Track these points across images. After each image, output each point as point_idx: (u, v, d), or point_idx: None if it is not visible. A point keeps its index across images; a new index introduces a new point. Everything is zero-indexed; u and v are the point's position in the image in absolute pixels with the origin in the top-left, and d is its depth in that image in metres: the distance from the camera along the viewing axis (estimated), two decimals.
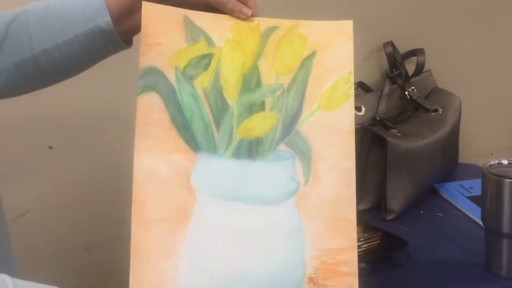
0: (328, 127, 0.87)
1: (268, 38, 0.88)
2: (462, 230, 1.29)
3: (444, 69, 1.61)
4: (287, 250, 0.84)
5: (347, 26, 0.90)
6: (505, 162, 1.13)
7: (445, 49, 1.63)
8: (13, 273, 0.91)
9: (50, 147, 1.30)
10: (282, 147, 0.86)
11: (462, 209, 1.35)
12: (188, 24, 0.87)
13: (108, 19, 0.87)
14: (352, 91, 0.88)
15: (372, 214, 1.34)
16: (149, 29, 0.86)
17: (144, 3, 0.86)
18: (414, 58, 1.56)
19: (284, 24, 0.89)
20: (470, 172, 1.51)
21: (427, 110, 1.49)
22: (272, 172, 0.86)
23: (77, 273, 1.36)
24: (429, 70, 1.58)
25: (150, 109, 0.85)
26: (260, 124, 0.86)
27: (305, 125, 0.87)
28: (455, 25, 1.63)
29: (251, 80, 0.87)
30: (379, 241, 1.20)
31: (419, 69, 1.54)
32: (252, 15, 0.88)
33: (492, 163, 1.12)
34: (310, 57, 0.88)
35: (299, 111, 0.87)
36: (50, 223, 1.34)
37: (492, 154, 1.70)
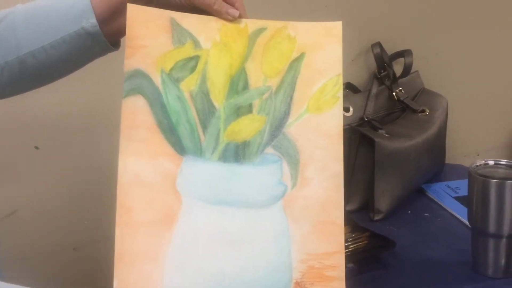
0: (316, 130, 0.84)
1: (256, 40, 0.85)
2: (449, 230, 1.27)
3: (431, 70, 1.58)
4: (274, 254, 0.82)
5: (336, 27, 0.87)
6: (491, 162, 1.11)
7: (432, 50, 1.60)
8: None
9: (36, 147, 1.27)
10: (269, 150, 0.84)
11: (449, 209, 1.33)
12: (175, 26, 0.84)
13: (93, 21, 0.84)
14: (340, 94, 0.85)
15: (360, 214, 1.32)
16: (134, 31, 0.83)
17: (129, 5, 0.83)
18: (402, 59, 1.53)
19: (272, 25, 0.86)
20: (456, 173, 1.48)
21: (415, 111, 1.46)
22: (259, 176, 0.83)
23: (65, 274, 1.33)
24: (417, 71, 1.55)
25: (136, 112, 0.82)
26: (247, 127, 0.84)
27: (293, 128, 0.84)
28: (442, 27, 1.60)
29: (238, 83, 0.84)
30: (366, 242, 1.18)
31: (407, 70, 1.52)
32: (240, 17, 0.85)
33: (478, 164, 1.10)
34: (298, 59, 0.85)
35: (287, 114, 0.84)
36: (36, 224, 1.31)
37: (478, 155, 1.68)
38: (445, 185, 1.42)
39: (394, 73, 1.50)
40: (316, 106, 0.85)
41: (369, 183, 1.32)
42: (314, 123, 0.84)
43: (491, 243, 1.07)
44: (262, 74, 0.85)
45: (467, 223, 1.19)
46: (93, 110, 1.30)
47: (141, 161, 0.81)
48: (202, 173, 0.82)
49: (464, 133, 1.64)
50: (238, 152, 0.83)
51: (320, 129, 0.84)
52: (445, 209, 1.34)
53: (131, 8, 0.83)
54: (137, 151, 0.81)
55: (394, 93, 1.48)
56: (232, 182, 0.82)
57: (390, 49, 1.53)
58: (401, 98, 1.48)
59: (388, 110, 1.48)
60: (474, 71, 1.66)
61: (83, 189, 1.32)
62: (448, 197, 1.37)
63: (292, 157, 0.83)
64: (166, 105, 0.83)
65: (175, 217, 0.81)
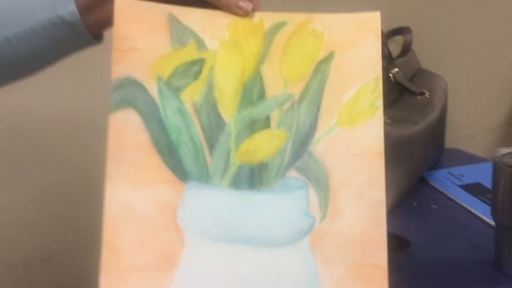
0: (350, 147, 0.62)
1: (273, 37, 0.62)
2: (462, 223, 1.06)
3: (427, 49, 1.35)
4: None
5: (373, 19, 0.64)
6: None
7: (427, 28, 1.37)
8: None
9: None
10: (292, 173, 0.61)
11: (457, 200, 1.12)
12: (174, 24, 0.62)
13: (73, 7, 0.62)
14: (380, 102, 0.63)
15: None
16: (123, 30, 0.61)
17: None
18: (395, 38, 1.31)
19: (294, 19, 0.63)
20: (455, 158, 1.27)
21: (414, 94, 1.24)
22: (280, 206, 0.61)
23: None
24: (413, 50, 1.33)
25: (126, 129, 0.60)
26: (264, 145, 0.61)
27: (320, 145, 0.62)
28: (438, 2, 1.38)
29: (252, 91, 0.62)
30: None
31: (406, 49, 1.30)
32: (254, 10, 0.63)
33: (503, 153, 0.90)
34: (326, 60, 0.62)
35: (313, 128, 0.62)
36: None
37: (472, 137, 1.48)
38: (447, 172, 1.21)
39: (390, 53, 1.27)
40: (349, 119, 0.62)
41: None
42: (347, 139, 0.62)
43: None
44: (282, 80, 0.62)
45: (481, 216, 1.05)
46: (63, 110, 1.06)
47: (133, 190, 0.60)
48: (209, 203, 0.61)
49: (457, 114, 1.43)
50: (253, 177, 0.61)
51: (355, 146, 0.62)
52: (452, 200, 1.13)
53: (120, 2, 0.61)
54: (128, 177, 0.60)
55: (391, 75, 1.25)
56: (247, 214, 0.61)
57: (384, 27, 1.29)
58: (399, 80, 1.25)
59: (385, 93, 1.24)
60: (468, 50, 1.44)
61: (51, 192, 1.08)
62: (453, 185, 1.16)
63: (320, 182, 0.61)
64: (164, 120, 0.61)
65: (176, 260, 0.59)
